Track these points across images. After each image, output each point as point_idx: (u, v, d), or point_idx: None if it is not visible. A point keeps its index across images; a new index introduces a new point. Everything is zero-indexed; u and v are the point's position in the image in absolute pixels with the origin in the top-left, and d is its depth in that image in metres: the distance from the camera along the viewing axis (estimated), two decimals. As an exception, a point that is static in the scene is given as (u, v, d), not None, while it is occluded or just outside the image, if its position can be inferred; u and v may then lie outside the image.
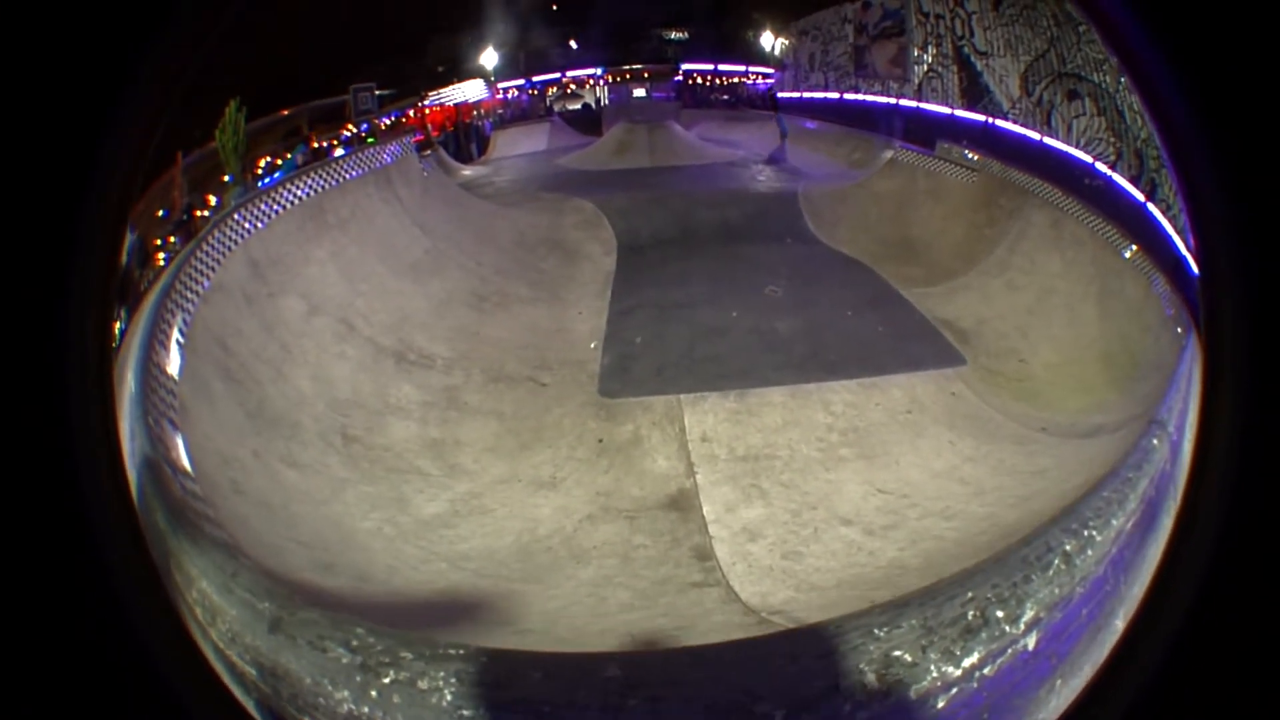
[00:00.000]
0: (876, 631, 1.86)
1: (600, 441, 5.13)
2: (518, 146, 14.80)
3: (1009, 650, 1.98)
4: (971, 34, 10.01)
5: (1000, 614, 1.91)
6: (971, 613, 1.89)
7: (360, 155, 7.57)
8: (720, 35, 17.11)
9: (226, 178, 11.02)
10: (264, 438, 4.45)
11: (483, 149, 15.33)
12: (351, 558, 3.68)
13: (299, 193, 6.46)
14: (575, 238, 8.03)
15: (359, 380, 5.30)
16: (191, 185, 11.27)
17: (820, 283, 7.19)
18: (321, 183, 6.74)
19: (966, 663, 1.82)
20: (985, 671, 1.92)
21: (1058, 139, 8.66)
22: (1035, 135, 9.01)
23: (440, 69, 15.68)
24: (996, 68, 9.82)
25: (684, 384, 5.53)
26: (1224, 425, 0.84)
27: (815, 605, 3.60)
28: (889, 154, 9.44)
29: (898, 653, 1.82)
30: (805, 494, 4.73)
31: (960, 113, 9.84)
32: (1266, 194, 0.76)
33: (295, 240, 6.05)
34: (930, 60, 10.58)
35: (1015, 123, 9.38)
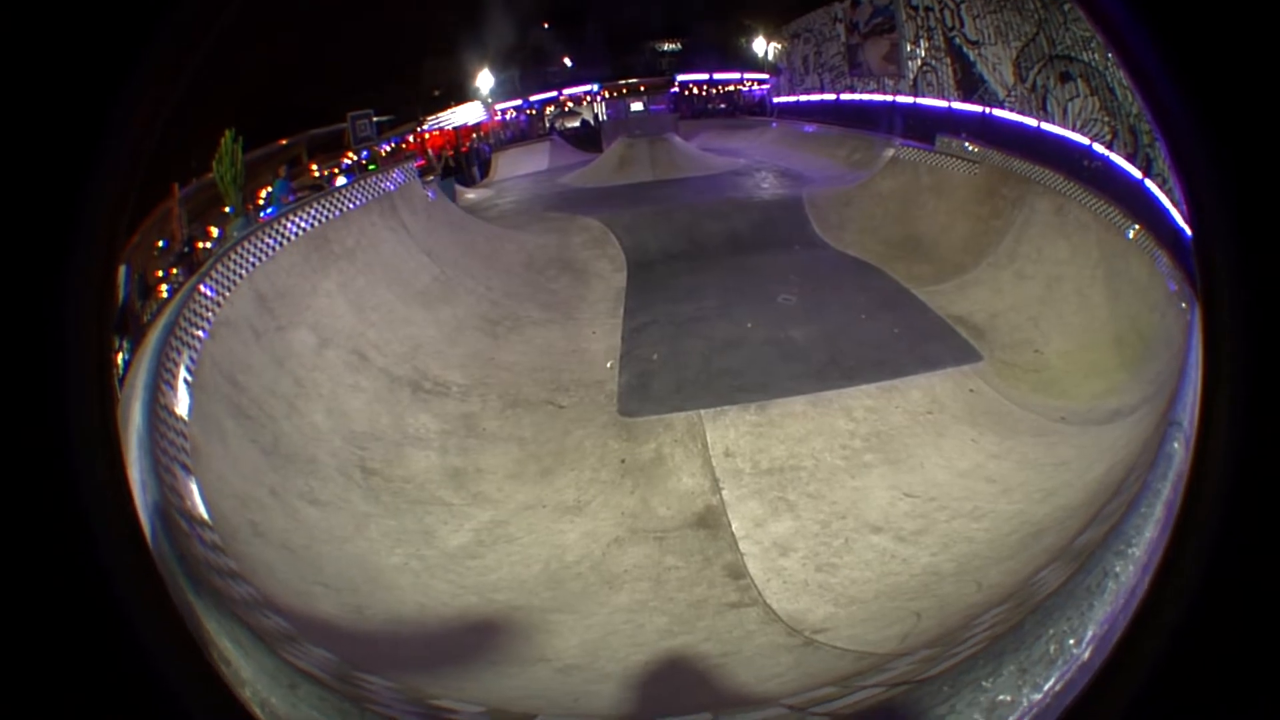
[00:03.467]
0: (984, 684, 1.95)
1: (623, 462, 5.06)
2: (519, 167, 14.76)
3: (1074, 667, 2.03)
4: (961, 24, 9.96)
5: (1071, 641, 1.99)
6: (1052, 646, 1.95)
7: (363, 183, 7.51)
8: (713, 44, 17.13)
9: (227, 209, 10.97)
10: (281, 475, 4.37)
11: (485, 171, 15.32)
12: (381, 598, 3.60)
13: (303, 224, 6.37)
14: (584, 256, 7.97)
15: (375, 412, 5.22)
16: (191, 216, 11.23)
17: (832, 288, 7.13)
18: (325, 213, 6.64)
19: (1045, 687, 1.87)
20: (1058, 689, 1.96)
21: (1054, 123, 8.62)
22: (1032, 121, 8.96)
23: (436, 92, 15.69)
24: (989, 56, 9.76)
25: (704, 399, 5.47)
26: (1224, 399, 0.84)
27: (858, 619, 3.52)
28: (890, 152, 9.36)
29: (1002, 696, 1.92)
30: (833, 504, 4.67)
31: (958, 105, 9.78)
32: (1258, 169, 0.76)
33: (301, 272, 5.96)
34: (923, 54, 10.53)
35: (1012, 110, 9.33)
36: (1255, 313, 0.80)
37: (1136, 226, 6.35)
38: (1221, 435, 0.83)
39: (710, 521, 4.50)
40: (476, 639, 3.22)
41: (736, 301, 6.84)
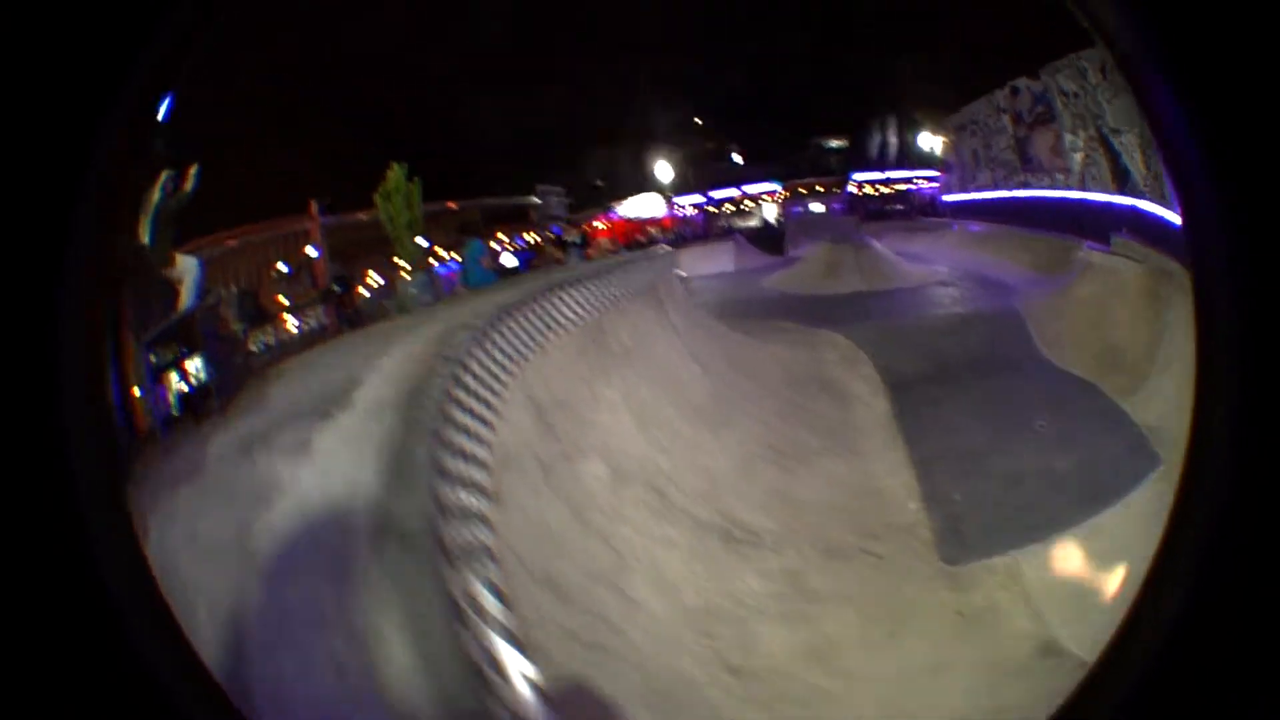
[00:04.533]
0: None
1: (960, 615, 4.78)
2: (703, 265, 14.06)
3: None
4: (1102, 110, 9.87)
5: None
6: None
7: (632, 265, 6.58)
8: (879, 140, 16.77)
9: (398, 259, 9.77)
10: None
11: None
12: None
13: (577, 304, 5.33)
14: (839, 376, 7.55)
15: (696, 574, 4.40)
16: (331, 251, 9.89)
17: (1066, 410, 6.96)
18: (597, 296, 5.59)
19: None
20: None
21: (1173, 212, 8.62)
22: (1164, 212, 8.93)
23: (599, 183, 14.80)
24: (1127, 144, 9.60)
25: (1012, 539, 5.18)
26: (1218, 420, 0.85)
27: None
28: (1082, 256, 9.14)
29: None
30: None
31: (1115, 199, 9.68)
32: (1258, 194, 0.77)
33: (579, 373, 5.05)
34: (1081, 144, 10.42)
35: (1150, 201, 9.26)
36: (1250, 331, 0.81)
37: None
38: (1217, 438, 0.84)
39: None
40: None
41: (1000, 430, 6.62)
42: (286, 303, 10.71)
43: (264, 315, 9.63)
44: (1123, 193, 9.60)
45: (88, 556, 0.80)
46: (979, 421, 6.83)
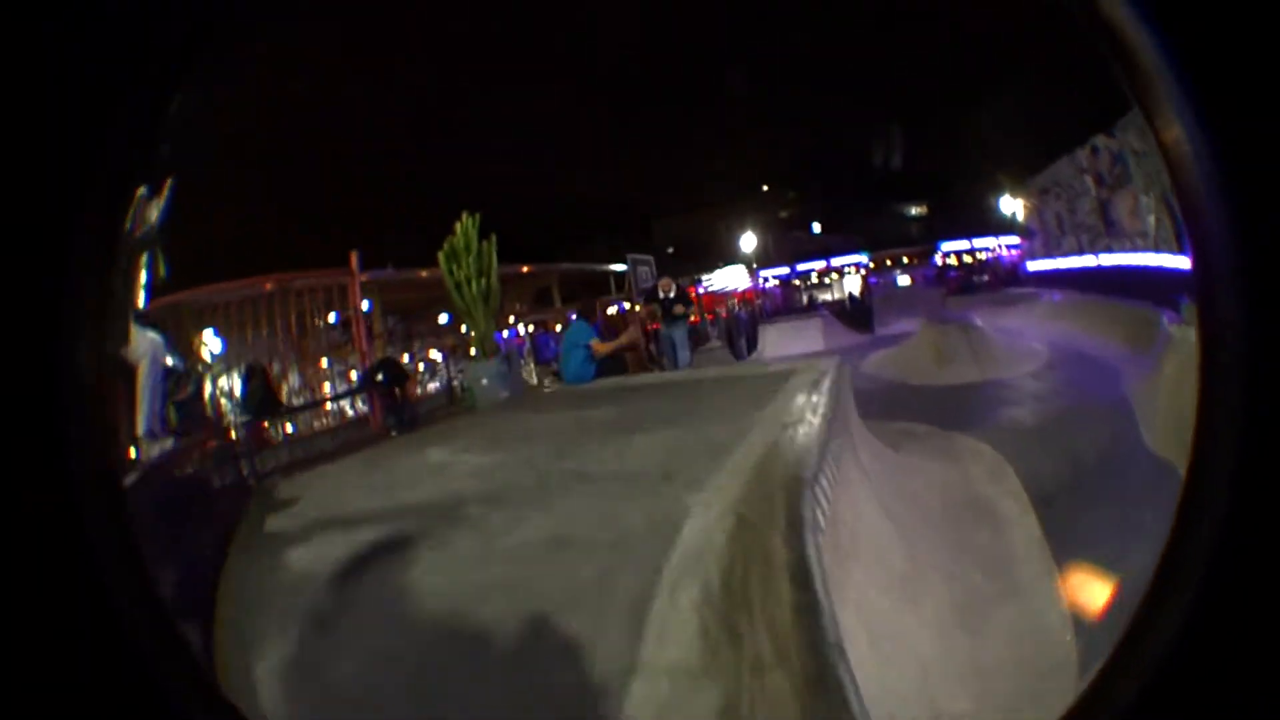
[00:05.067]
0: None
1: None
2: (790, 344, 12.69)
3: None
4: (1161, 166, 9.48)
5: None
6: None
7: (797, 377, 5.11)
8: (960, 205, 15.55)
9: (465, 327, 7.97)
10: None
11: (751, 346, 12.88)
12: None
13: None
14: (989, 495, 7.00)
15: None
16: (384, 307, 8.07)
17: (1161, 498, 7.04)
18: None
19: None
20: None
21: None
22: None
23: (670, 250, 13.06)
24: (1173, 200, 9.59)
25: None
26: (1226, 400, 0.87)
27: None
28: (1166, 332, 8.95)
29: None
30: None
31: (1179, 262, 9.60)
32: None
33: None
34: (1153, 205, 10.19)
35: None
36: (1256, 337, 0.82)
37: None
38: (1221, 447, 0.86)
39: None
40: None
41: (1124, 533, 6.29)
42: (325, 364, 9.03)
43: (276, 404, 7.92)
44: (1182, 253, 9.61)
45: (87, 556, 0.78)
46: (1110, 529, 6.75)
